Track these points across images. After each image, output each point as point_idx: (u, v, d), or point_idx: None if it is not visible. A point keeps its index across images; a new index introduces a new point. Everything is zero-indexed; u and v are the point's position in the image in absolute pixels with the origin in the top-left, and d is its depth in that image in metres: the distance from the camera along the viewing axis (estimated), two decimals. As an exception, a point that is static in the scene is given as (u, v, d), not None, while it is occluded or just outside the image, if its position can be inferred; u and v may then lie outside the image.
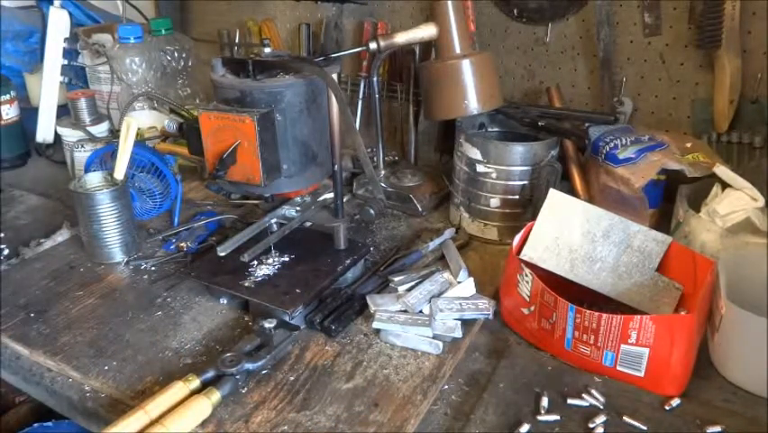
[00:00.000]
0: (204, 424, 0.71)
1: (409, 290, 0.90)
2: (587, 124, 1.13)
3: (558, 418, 0.70)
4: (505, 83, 1.34)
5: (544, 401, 0.72)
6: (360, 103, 1.43)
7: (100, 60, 1.39)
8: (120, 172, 1.03)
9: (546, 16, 1.25)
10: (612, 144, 1.06)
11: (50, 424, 1.20)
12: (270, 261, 0.94)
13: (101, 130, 1.28)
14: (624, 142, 1.06)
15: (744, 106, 1.10)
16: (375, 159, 1.28)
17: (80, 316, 0.91)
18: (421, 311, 0.86)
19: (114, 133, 1.29)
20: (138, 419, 0.68)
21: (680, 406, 0.72)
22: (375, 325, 0.84)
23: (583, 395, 0.73)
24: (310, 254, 0.96)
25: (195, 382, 0.74)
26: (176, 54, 1.46)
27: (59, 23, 1.41)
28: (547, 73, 1.30)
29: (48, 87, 1.44)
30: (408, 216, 1.21)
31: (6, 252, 1.09)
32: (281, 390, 0.76)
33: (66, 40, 1.42)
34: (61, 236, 1.12)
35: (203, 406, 0.70)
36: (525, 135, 1.14)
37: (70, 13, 1.44)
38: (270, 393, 0.75)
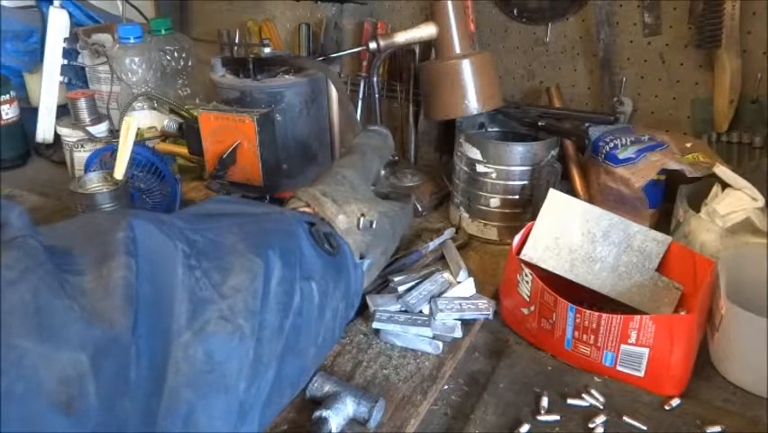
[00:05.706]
0: (204, 424, 0.70)
1: (409, 290, 0.90)
2: (587, 124, 1.13)
3: (558, 418, 0.70)
4: (505, 83, 1.34)
5: (544, 401, 0.72)
6: (360, 103, 1.43)
7: (100, 60, 1.39)
8: (120, 172, 1.03)
9: (546, 16, 1.25)
10: (612, 144, 1.06)
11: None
12: (270, 261, 0.94)
13: (101, 130, 1.28)
14: (624, 142, 1.06)
15: (744, 106, 1.10)
16: (375, 159, 1.27)
17: (80, 316, 0.91)
18: (421, 311, 0.86)
19: (114, 133, 1.29)
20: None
21: (680, 406, 0.72)
22: (375, 325, 0.84)
23: (583, 395, 0.73)
24: (310, 254, 0.96)
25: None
26: (176, 54, 1.46)
27: (58, 23, 1.41)
28: (547, 73, 1.30)
29: (48, 87, 1.44)
30: (408, 216, 1.21)
31: (6, 252, 1.08)
32: (281, 390, 0.76)
33: (66, 40, 1.42)
34: (61, 236, 1.12)
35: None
36: (525, 135, 1.14)
37: (70, 13, 1.44)
38: (270, 393, 0.75)
